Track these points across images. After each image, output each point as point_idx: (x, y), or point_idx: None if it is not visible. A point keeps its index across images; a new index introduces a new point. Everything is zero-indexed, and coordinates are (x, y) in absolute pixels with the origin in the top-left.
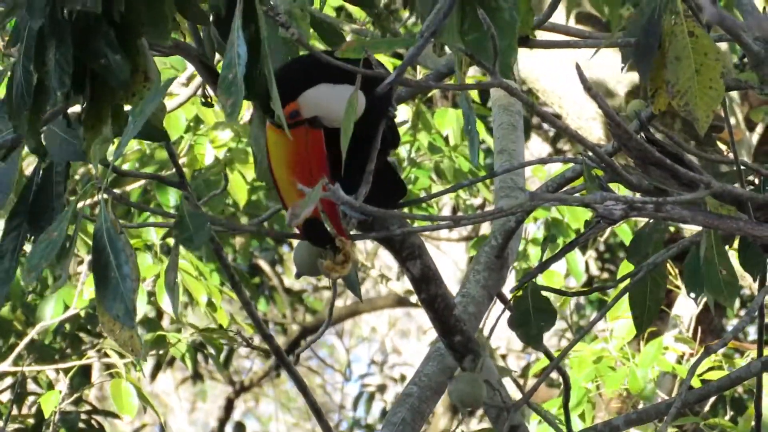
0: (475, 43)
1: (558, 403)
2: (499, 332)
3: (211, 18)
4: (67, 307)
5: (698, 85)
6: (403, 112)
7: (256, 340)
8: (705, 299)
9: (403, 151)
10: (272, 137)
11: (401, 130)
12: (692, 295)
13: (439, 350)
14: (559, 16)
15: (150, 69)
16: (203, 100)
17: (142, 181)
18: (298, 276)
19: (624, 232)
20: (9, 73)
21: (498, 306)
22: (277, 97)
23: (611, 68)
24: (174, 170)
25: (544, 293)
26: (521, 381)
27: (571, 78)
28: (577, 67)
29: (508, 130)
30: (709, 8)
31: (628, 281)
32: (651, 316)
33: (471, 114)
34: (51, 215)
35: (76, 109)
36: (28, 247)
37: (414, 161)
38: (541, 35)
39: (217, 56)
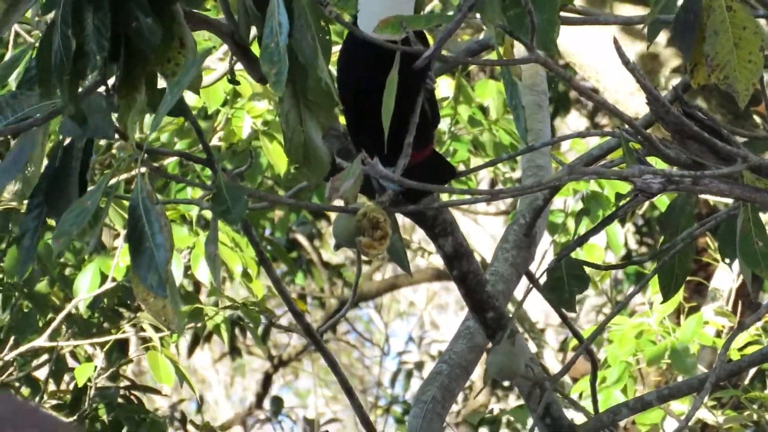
0: (515, 18)
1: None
2: (537, 307)
3: None
4: (104, 280)
5: (737, 59)
6: (445, 87)
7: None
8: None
9: (443, 124)
10: None
11: (443, 104)
12: (727, 261)
13: (469, 328)
14: None
15: (185, 36)
16: (229, 78)
17: None
18: (337, 248)
19: (663, 205)
20: (40, 42)
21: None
22: (323, 66)
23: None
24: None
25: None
26: (560, 355)
27: (609, 52)
28: (615, 42)
29: (534, 110)
30: None
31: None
32: (678, 284)
33: (515, 88)
34: (68, 194)
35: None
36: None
37: (454, 134)
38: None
39: (252, 31)
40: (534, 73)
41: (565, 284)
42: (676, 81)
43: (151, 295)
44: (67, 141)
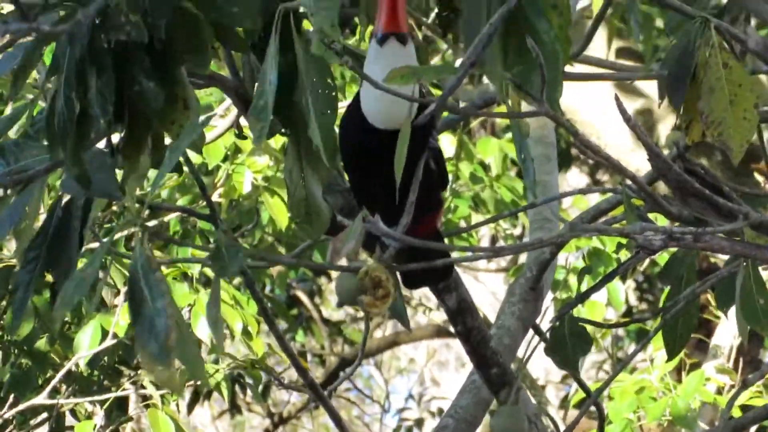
0: (520, 74)
1: None
2: (537, 363)
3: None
4: (104, 337)
5: (732, 116)
6: (447, 144)
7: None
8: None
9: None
10: None
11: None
12: (724, 310)
13: (474, 383)
14: (594, 48)
15: (189, 97)
16: (237, 132)
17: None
18: (339, 305)
19: (664, 260)
20: (48, 103)
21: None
22: (315, 128)
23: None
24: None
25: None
26: (560, 412)
27: (609, 109)
28: (616, 98)
29: (542, 162)
30: (755, 37)
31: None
32: (683, 343)
33: (524, 142)
34: (69, 251)
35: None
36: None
37: (455, 191)
38: (574, 68)
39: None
40: (543, 125)
41: (568, 344)
42: (671, 136)
43: (156, 364)
44: (67, 197)
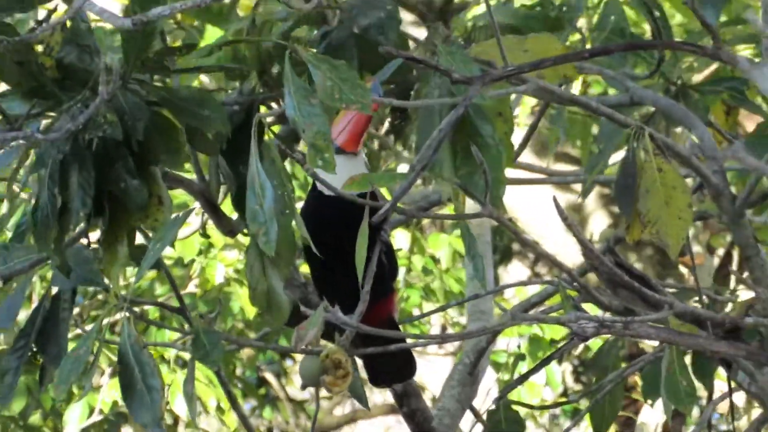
0: (466, 177)
1: None
2: None
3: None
4: (91, 412)
5: (668, 215)
6: (401, 239)
7: None
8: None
9: (399, 273)
10: None
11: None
12: (650, 402)
13: None
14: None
15: (163, 194)
16: (201, 232)
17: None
18: (303, 387)
19: (597, 346)
20: (33, 201)
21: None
22: (301, 223)
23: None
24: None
25: (514, 406)
26: None
27: (547, 207)
28: (555, 200)
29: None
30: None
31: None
32: (609, 422)
33: (472, 241)
34: (58, 337)
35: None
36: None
37: (408, 282)
38: (512, 173)
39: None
40: (479, 225)
41: (503, 429)
42: (604, 233)
43: None
44: (55, 290)
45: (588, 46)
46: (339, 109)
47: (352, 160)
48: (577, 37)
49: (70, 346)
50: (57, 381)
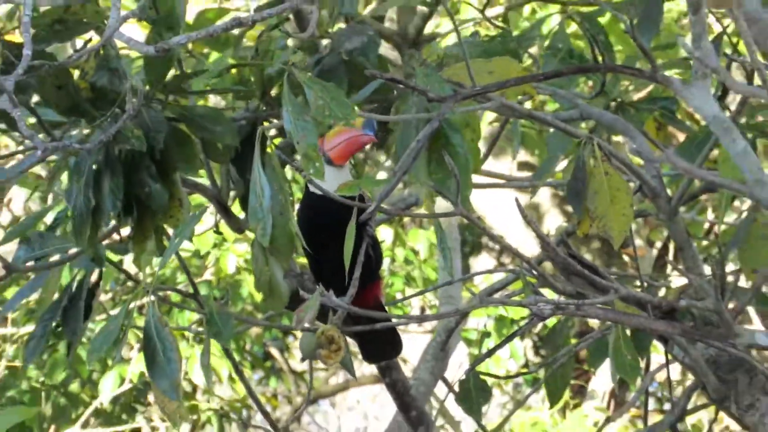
0: (440, 181)
1: None
2: (454, 403)
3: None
4: (122, 382)
5: (613, 212)
6: (386, 234)
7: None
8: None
9: (384, 263)
10: None
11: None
12: (593, 370)
13: (398, 423)
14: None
15: (183, 197)
16: (215, 229)
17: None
18: (303, 360)
19: (552, 325)
20: (71, 202)
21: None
22: (287, 221)
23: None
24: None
25: (482, 377)
26: None
27: (509, 208)
28: (517, 201)
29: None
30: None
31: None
32: (562, 390)
33: (443, 235)
34: (77, 315)
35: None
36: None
37: (392, 271)
38: (479, 178)
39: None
40: (449, 223)
41: (473, 396)
42: (559, 228)
43: (166, 399)
44: (80, 277)
45: (540, 69)
46: (332, 125)
47: (339, 170)
48: (530, 61)
49: (99, 324)
50: (90, 351)
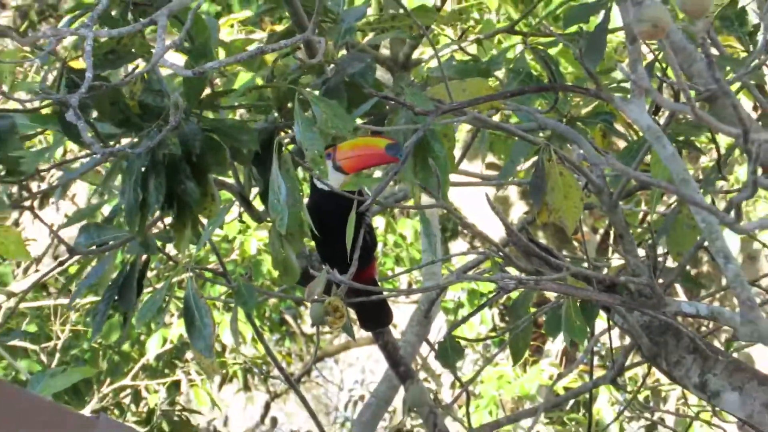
0: (424, 179)
1: (474, 404)
2: (436, 361)
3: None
4: (164, 342)
5: (567, 205)
6: (380, 222)
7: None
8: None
9: (378, 247)
10: None
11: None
12: (551, 338)
13: (389, 376)
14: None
15: (215, 193)
16: (239, 219)
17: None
18: (312, 325)
19: (515, 297)
20: (124, 197)
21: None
22: (298, 211)
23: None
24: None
25: (457, 339)
26: (450, 391)
27: (480, 201)
28: (487, 196)
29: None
30: (577, 154)
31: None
32: (523, 350)
33: (427, 224)
34: (130, 290)
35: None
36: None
37: (385, 253)
38: (456, 177)
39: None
40: (432, 214)
41: (450, 353)
42: (521, 218)
43: (202, 356)
44: (132, 260)
45: (505, 88)
46: (337, 135)
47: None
48: (498, 82)
49: (146, 296)
50: (138, 318)
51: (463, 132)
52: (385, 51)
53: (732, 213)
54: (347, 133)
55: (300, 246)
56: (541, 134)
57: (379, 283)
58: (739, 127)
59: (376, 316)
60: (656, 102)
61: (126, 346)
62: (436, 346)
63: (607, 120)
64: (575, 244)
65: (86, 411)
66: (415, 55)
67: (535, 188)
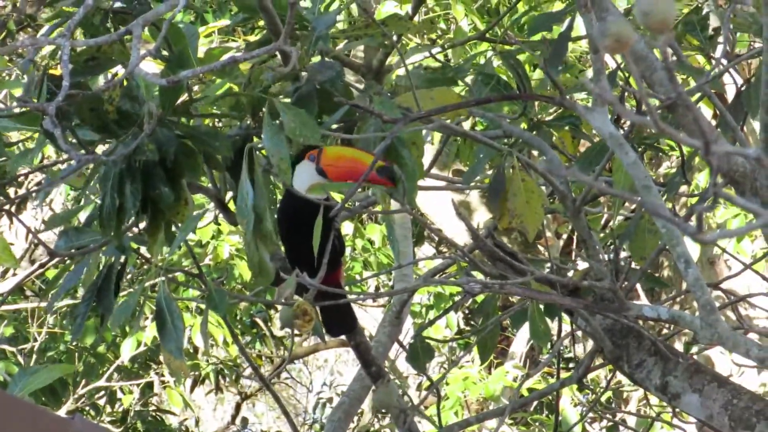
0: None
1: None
2: (403, 363)
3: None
4: (139, 345)
5: (528, 211)
6: (348, 227)
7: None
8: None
9: (346, 251)
10: None
11: (346, 238)
12: (515, 331)
13: (361, 376)
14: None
15: (189, 198)
16: (214, 222)
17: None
18: (282, 328)
19: (481, 300)
20: (100, 202)
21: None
22: (270, 217)
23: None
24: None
25: (426, 340)
26: (416, 393)
27: (446, 206)
28: (453, 202)
29: (403, 240)
30: (542, 162)
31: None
32: (489, 352)
33: (391, 229)
34: (109, 293)
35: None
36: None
37: (353, 257)
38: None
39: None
40: (403, 216)
41: (420, 354)
42: (486, 222)
43: (172, 358)
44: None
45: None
46: (302, 142)
47: (316, 176)
48: (466, 89)
49: (121, 299)
50: (112, 321)
51: (436, 140)
52: (360, 56)
53: (694, 222)
54: (315, 142)
55: (273, 247)
56: (506, 141)
57: (344, 289)
58: (701, 139)
59: (341, 321)
60: (619, 114)
61: (101, 348)
62: (407, 346)
63: (574, 123)
64: (539, 248)
65: (62, 412)
66: (389, 62)
67: (494, 193)
